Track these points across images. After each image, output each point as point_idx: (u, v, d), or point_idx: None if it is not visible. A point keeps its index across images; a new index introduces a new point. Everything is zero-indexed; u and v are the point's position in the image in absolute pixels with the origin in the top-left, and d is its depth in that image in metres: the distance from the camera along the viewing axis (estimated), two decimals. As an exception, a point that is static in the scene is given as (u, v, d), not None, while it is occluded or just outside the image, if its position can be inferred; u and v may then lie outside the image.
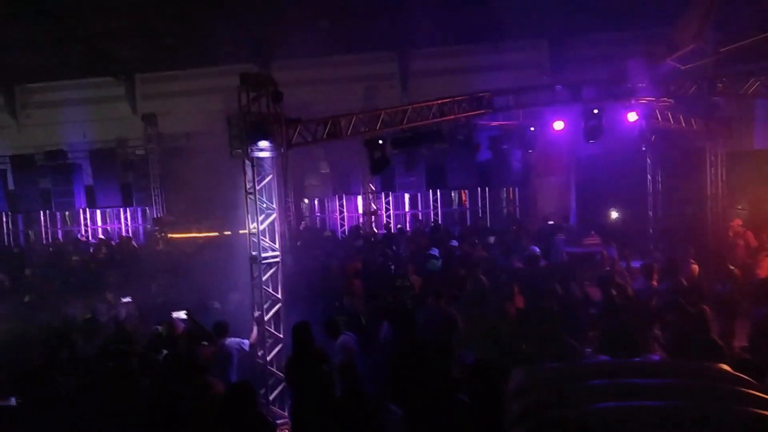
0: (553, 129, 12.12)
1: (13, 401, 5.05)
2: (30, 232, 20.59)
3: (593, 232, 11.99)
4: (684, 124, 11.39)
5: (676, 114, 11.19)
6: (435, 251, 10.73)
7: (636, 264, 10.22)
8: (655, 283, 8.30)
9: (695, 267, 9.30)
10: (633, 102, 9.74)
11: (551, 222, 14.47)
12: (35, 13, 17.30)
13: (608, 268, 9.83)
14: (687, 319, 6.76)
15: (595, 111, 9.71)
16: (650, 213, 14.17)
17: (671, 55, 10.26)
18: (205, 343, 6.56)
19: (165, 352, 6.27)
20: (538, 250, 10.95)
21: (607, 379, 3.53)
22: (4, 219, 20.65)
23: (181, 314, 6.63)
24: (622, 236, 12.30)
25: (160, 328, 6.51)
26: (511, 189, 17.61)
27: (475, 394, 5.09)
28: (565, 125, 11.94)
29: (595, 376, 3.60)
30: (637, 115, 10.27)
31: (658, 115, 10.97)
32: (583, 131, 10.04)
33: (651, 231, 13.98)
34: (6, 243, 19.76)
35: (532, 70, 18.36)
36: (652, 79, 9.50)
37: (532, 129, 12.84)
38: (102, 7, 17.37)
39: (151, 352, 6.20)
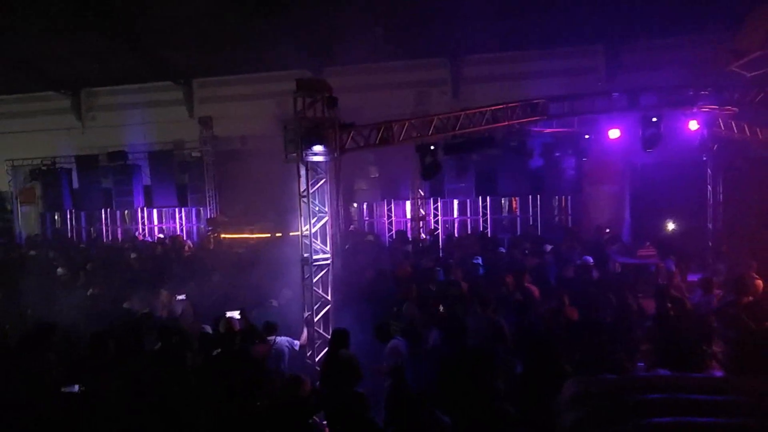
0: (609, 137, 11.87)
1: (76, 388, 5.29)
2: (92, 229, 21.45)
3: (648, 244, 11.65)
4: (749, 134, 10.96)
5: (741, 123, 10.77)
6: (478, 259, 10.63)
7: (693, 277, 9.89)
8: (714, 297, 8.01)
9: (759, 282, 8.91)
10: (695, 110, 9.43)
11: (608, 230, 14.12)
12: (100, 22, 18.11)
13: (664, 281, 9.53)
14: (749, 336, 6.48)
15: (654, 119, 9.44)
16: (710, 225, 13.67)
17: (737, 62, 9.90)
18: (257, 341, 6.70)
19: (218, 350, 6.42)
20: (591, 260, 10.73)
21: (666, 393, 3.44)
22: (68, 216, 21.60)
23: (236, 314, 6.80)
24: (680, 248, 11.91)
25: (208, 327, 6.67)
26: (563, 197, 17.27)
27: (524, 404, 5.03)
28: (621, 133, 11.67)
29: (652, 390, 3.52)
30: (699, 123, 9.96)
31: (721, 124, 10.59)
32: (640, 140, 9.78)
33: (710, 244, 13.48)
34: (69, 239, 20.61)
35: (586, 76, 18.02)
36: (715, 86, 9.18)
37: (587, 137, 12.58)
38: (162, 15, 18.04)
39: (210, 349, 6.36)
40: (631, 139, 11.43)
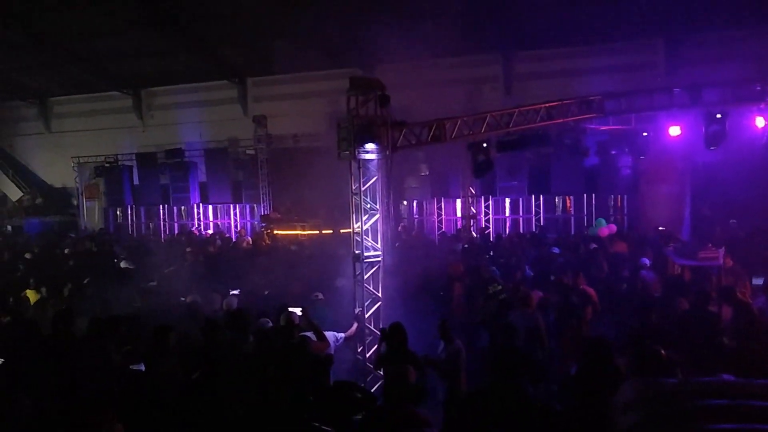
0: (668, 134, 11.47)
1: (143, 367, 5.55)
2: (150, 224, 22.25)
3: (710, 245, 11.19)
4: (820, 131, 10.39)
5: (812, 119, 10.22)
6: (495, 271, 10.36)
7: (758, 281, 9.46)
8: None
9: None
10: (762, 106, 9.01)
11: (661, 228, 13.66)
12: (159, 23, 18.76)
13: (727, 284, 9.15)
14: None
15: (718, 115, 9.07)
16: (776, 226, 13.02)
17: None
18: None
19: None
20: (648, 261, 10.42)
21: (728, 399, 3.33)
22: (129, 211, 22.47)
23: (297, 310, 6.93)
24: (743, 251, 11.40)
25: (268, 322, 6.81)
26: (618, 197, 16.81)
27: (577, 404, 4.94)
28: (681, 130, 11.27)
29: (713, 395, 3.40)
30: (766, 120, 9.50)
31: (790, 120, 10.07)
32: (703, 137, 9.41)
33: (776, 246, 12.85)
34: (129, 233, 21.45)
35: (644, 71, 17.48)
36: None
37: (645, 134, 12.20)
38: (218, 14, 18.53)
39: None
40: (692, 137, 11.02)
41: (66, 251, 15.18)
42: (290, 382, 5.07)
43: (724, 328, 7.16)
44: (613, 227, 12.69)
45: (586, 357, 5.09)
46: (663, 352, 4.34)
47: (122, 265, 12.42)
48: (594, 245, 12.22)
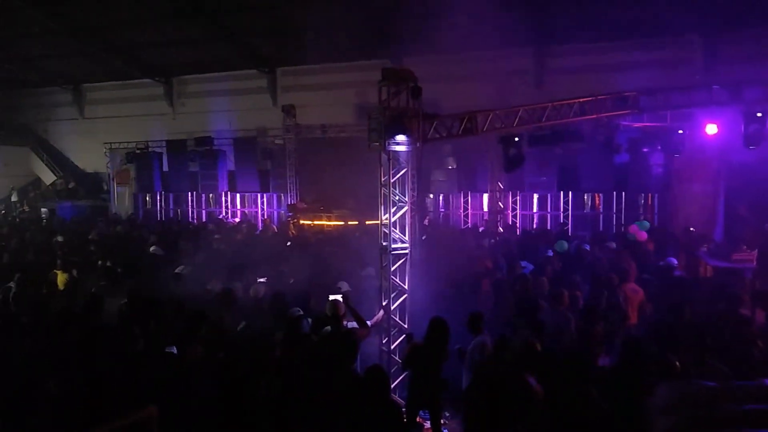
0: (705, 132, 11.20)
1: (174, 349, 5.65)
2: (178, 210, 22.53)
3: (745, 247, 10.93)
4: None
5: None
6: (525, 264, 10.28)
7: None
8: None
9: None
10: (805, 105, 8.74)
11: (692, 229, 13.38)
12: (192, 12, 18.94)
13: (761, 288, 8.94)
14: None
15: (759, 114, 8.82)
16: (814, 230, 12.64)
17: None
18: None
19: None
20: (675, 261, 10.22)
21: (766, 404, 3.25)
22: (158, 198, 22.79)
23: (339, 297, 7.00)
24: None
25: (298, 309, 6.87)
26: (649, 195, 16.49)
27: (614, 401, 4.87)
28: (718, 128, 11.00)
29: (753, 399, 3.32)
30: (807, 119, 9.20)
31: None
32: (742, 136, 9.16)
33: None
34: (158, 219, 21.77)
35: (680, 68, 17.09)
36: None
37: (681, 132, 11.93)
38: (249, 4, 18.62)
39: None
40: (729, 135, 10.75)
41: (94, 235, 15.44)
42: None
43: (757, 332, 6.99)
44: (644, 235, 12.46)
45: (622, 355, 5.03)
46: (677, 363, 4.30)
47: (151, 250, 12.59)
48: (614, 244, 12.04)
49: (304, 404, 5.08)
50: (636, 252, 11.23)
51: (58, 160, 29.06)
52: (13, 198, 27.86)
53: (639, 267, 10.06)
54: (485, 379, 5.21)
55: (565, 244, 11.55)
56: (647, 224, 13.13)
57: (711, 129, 10.96)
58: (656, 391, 3.41)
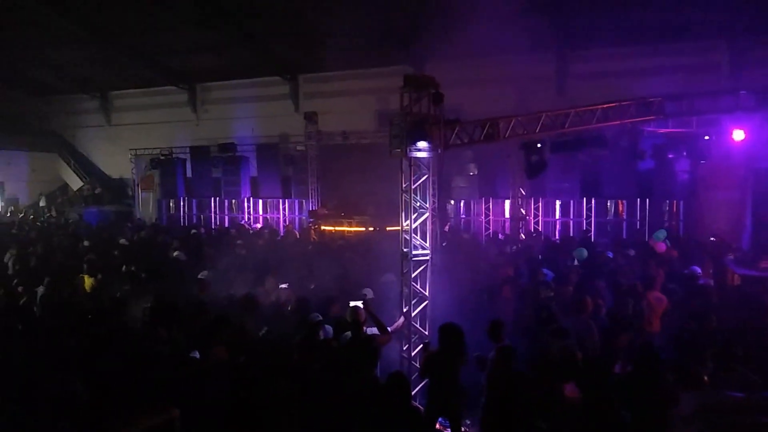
0: (731, 138, 11.02)
1: (197, 354, 5.69)
2: (201, 216, 22.77)
3: (773, 255, 10.70)
4: None
5: None
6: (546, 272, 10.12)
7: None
8: None
9: None
10: (835, 111, 8.56)
11: (712, 239, 13.14)
12: (215, 19, 19.20)
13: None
14: None
15: (787, 120, 8.67)
16: None
17: None
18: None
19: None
20: (699, 270, 10.02)
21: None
22: (182, 203, 23.07)
23: (359, 303, 7.02)
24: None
25: (317, 315, 6.89)
26: (674, 202, 16.22)
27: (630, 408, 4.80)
28: (745, 134, 10.82)
29: (781, 413, 3.25)
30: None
31: None
32: (769, 142, 9.01)
33: None
34: (182, 224, 22.02)
35: (706, 73, 16.86)
36: None
37: (707, 138, 11.74)
38: (272, 12, 18.81)
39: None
40: (756, 141, 10.58)
41: (122, 241, 15.67)
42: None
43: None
44: (663, 246, 12.27)
45: (637, 363, 4.96)
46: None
47: (175, 255, 12.73)
48: (632, 251, 11.86)
49: (322, 409, 5.08)
50: (660, 260, 11.05)
51: (84, 166, 29.65)
52: (41, 203, 28.46)
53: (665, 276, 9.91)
54: (498, 388, 5.16)
55: (585, 252, 11.40)
56: (664, 233, 12.89)
57: (738, 135, 10.79)
58: (681, 400, 3.35)
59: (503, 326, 6.59)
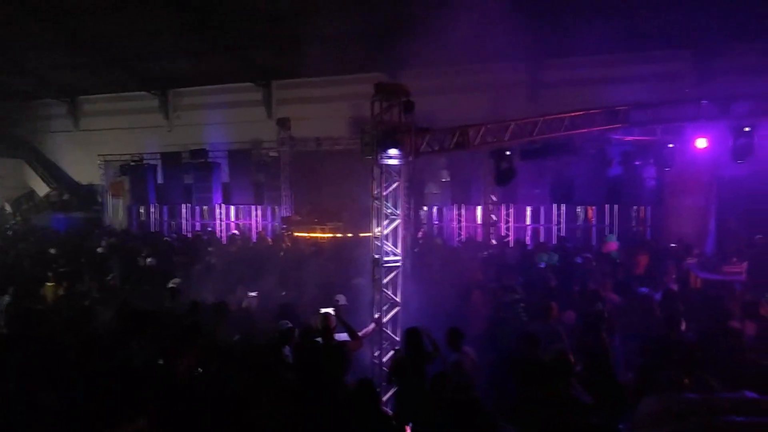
0: (694, 146, 11.33)
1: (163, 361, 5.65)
2: (172, 223, 22.50)
3: (735, 260, 11.02)
4: None
5: None
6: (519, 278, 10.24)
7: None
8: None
9: None
10: (792, 120, 8.86)
11: (673, 245, 13.50)
12: (189, 25, 19.05)
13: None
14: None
15: (746, 129, 8.94)
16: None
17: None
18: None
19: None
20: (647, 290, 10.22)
21: (751, 416, 3.28)
22: (152, 210, 22.76)
23: (330, 310, 7.03)
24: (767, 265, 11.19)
25: (288, 323, 6.88)
26: (642, 208, 16.60)
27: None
28: (708, 142, 11.13)
29: (735, 411, 3.35)
30: (795, 134, 9.34)
31: (821, 135, 9.88)
32: (730, 150, 9.28)
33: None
34: (152, 231, 21.71)
35: (672, 82, 17.25)
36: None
37: (671, 145, 12.05)
38: (246, 18, 18.74)
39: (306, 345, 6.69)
40: (719, 149, 10.87)
41: (99, 249, 15.39)
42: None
43: (748, 344, 7.03)
44: (614, 245, 12.60)
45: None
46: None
47: (148, 261, 12.57)
48: (589, 255, 12.11)
49: (294, 416, 5.08)
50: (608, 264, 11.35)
51: (52, 172, 29.03)
52: (7, 210, 27.80)
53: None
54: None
55: (555, 256, 11.57)
56: (614, 237, 13.31)
57: (701, 143, 11.08)
58: (640, 403, 3.44)
59: (460, 334, 6.66)
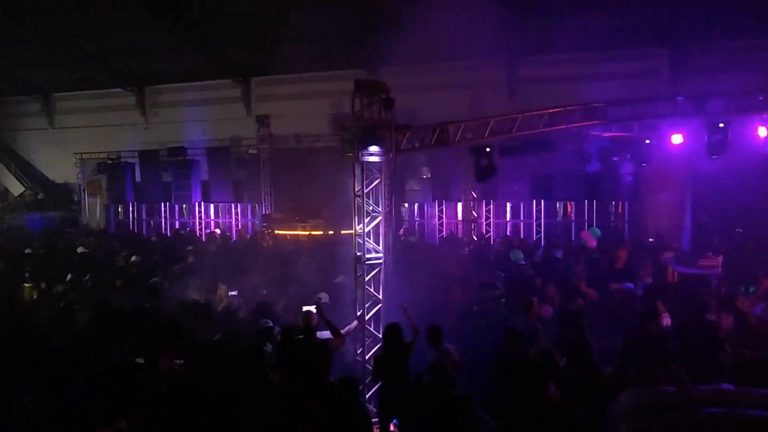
0: (670, 142, 11.51)
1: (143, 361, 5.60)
2: (151, 221, 22.24)
3: (710, 253, 11.21)
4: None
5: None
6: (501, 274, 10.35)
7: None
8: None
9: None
10: (765, 116, 9.05)
11: (651, 240, 13.71)
12: (165, 21, 18.81)
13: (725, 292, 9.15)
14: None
15: (721, 125, 9.11)
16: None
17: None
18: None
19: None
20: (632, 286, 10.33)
21: (727, 408, 3.35)
22: (131, 208, 22.47)
23: (312, 308, 7.02)
24: (744, 259, 11.42)
25: (269, 322, 6.87)
26: (620, 203, 16.83)
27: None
28: (683, 138, 11.31)
29: (712, 404, 3.42)
30: (768, 129, 9.54)
31: (793, 131, 10.09)
32: (705, 146, 9.45)
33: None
34: (131, 230, 21.46)
35: (648, 79, 17.52)
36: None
37: (648, 141, 12.23)
38: (224, 14, 18.56)
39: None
40: (694, 145, 11.06)
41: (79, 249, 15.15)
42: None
43: (724, 337, 7.16)
44: (594, 242, 12.75)
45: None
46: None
47: (133, 259, 12.42)
48: (560, 253, 12.23)
49: (279, 414, 5.07)
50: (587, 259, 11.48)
51: (26, 171, 28.46)
52: (-19, 209, 27.26)
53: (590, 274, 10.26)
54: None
55: (520, 254, 11.61)
56: (599, 231, 13.43)
57: (676, 139, 11.26)
58: (618, 397, 3.49)
59: (441, 332, 6.69)
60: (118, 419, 4.26)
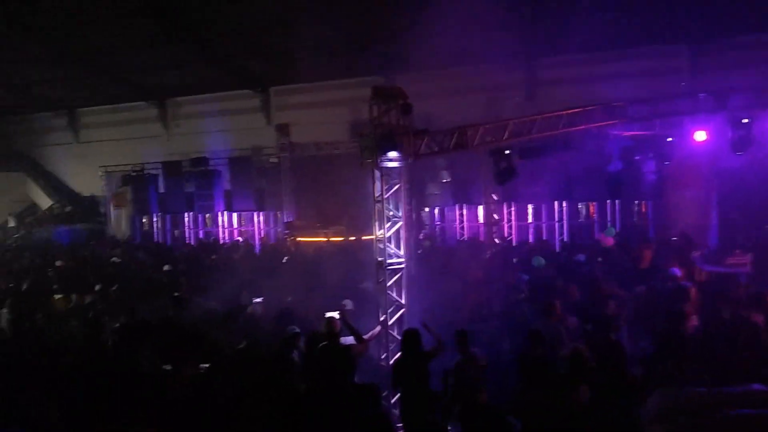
0: (694, 139, 11.34)
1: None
2: (175, 231, 22.53)
3: (738, 251, 11.00)
4: None
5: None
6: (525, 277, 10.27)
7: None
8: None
9: None
10: (789, 110, 8.89)
11: (674, 238, 13.48)
12: (182, 35, 19.11)
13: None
14: None
15: (744, 120, 8.96)
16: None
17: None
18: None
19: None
20: (679, 272, 10.20)
21: (759, 409, 3.30)
22: (155, 219, 22.80)
23: (335, 314, 7.07)
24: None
25: (296, 328, 6.92)
26: (643, 202, 16.61)
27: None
28: (707, 135, 11.14)
29: (742, 405, 3.37)
30: (793, 124, 9.37)
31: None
32: (729, 142, 9.30)
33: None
34: (155, 240, 21.75)
35: (668, 77, 17.29)
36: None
37: (670, 139, 12.07)
38: (240, 25, 18.79)
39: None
40: (718, 142, 10.89)
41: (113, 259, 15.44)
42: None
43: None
44: (611, 240, 12.58)
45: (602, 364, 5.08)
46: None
47: (165, 268, 12.62)
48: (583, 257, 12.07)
49: (303, 420, 5.11)
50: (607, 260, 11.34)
51: (53, 185, 29.11)
52: (11, 224, 27.86)
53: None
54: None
55: (542, 260, 11.52)
56: (614, 230, 13.28)
57: (699, 136, 11.09)
58: (648, 399, 3.45)
59: (467, 336, 6.68)
60: (148, 428, 4.33)
